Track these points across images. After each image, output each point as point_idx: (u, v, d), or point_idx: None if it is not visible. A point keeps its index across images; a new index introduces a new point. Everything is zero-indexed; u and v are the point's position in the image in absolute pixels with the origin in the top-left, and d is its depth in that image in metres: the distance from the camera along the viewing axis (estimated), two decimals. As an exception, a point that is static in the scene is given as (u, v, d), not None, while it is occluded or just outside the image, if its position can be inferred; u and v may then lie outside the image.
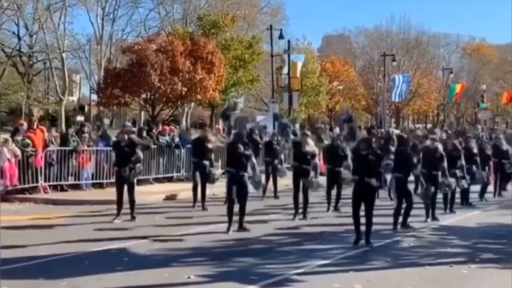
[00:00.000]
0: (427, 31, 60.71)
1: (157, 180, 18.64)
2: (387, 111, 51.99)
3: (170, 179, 19.05)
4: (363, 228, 10.30)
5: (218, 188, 15.05)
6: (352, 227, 10.50)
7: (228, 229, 11.24)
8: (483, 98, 54.27)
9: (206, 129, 15.72)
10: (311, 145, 13.11)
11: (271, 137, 17.37)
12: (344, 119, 25.24)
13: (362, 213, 10.36)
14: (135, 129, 18.48)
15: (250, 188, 11.54)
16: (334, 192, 14.09)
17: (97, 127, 20.87)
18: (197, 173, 14.28)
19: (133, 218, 12.37)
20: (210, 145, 14.36)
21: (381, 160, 10.71)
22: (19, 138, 15.82)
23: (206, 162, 14.09)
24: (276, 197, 16.06)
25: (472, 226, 12.56)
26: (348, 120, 24.18)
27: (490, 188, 16.71)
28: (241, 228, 11.34)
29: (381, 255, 9.55)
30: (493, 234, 11.61)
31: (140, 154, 12.67)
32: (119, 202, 12.44)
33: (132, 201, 12.50)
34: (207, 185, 14.19)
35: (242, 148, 11.39)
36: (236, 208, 11.38)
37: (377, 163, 10.44)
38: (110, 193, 13.47)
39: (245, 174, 11.38)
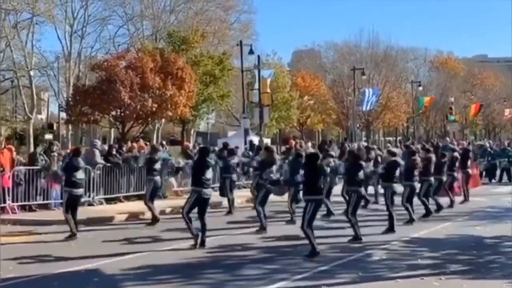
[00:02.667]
0: (395, 46, 61.63)
1: (127, 198, 18.46)
2: (358, 125, 52.40)
3: (140, 197, 18.85)
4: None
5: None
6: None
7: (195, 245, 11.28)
8: (452, 110, 55.04)
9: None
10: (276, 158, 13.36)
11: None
12: None
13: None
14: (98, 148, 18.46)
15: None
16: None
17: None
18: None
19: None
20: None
21: (319, 176, 10.81)
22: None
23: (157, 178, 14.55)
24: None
25: (443, 238, 12.65)
26: None
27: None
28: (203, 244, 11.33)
29: (353, 269, 9.55)
30: (463, 246, 11.71)
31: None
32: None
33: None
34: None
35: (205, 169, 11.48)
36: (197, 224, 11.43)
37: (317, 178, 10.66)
38: (79, 212, 13.25)
39: (208, 193, 11.48)
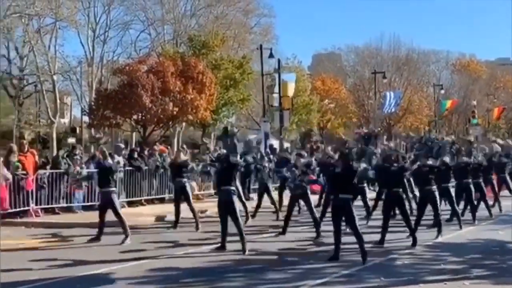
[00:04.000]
0: (416, 48, 61.17)
1: (149, 201, 18.55)
2: (379, 128, 52.11)
3: (162, 200, 18.95)
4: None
5: (211, 208, 15.06)
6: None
7: (222, 246, 11.28)
8: (474, 113, 54.45)
9: (180, 149, 16.05)
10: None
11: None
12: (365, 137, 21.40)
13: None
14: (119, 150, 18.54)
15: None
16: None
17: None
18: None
19: (126, 237, 12.33)
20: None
21: (353, 176, 10.72)
22: (14, 159, 15.73)
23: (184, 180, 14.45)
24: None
25: (466, 242, 12.54)
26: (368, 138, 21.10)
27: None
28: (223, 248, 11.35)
29: (375, 273, 9.47)
30: (487, 250, 11.59)
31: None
32: (101, 223, 12.55)
33: (120, 221, 12.52)
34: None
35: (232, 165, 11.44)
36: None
37: (349, 179, 10.55)
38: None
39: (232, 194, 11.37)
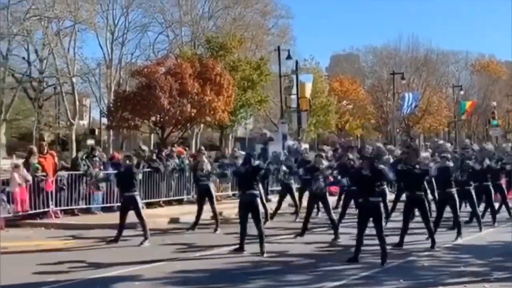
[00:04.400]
0: (435, 49, 60.77)
1: (167, 203, 18.60)
2: (397, 130, 51.84)
3: (180, 202, 19.00)
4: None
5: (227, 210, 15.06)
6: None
7: (241, 248, 11.27)
8: (494, 114, 53.96)
9: (200, 152, 16.02)
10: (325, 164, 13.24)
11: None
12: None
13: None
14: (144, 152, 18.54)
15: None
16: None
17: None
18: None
19: (145, 239, 12.38)
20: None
21: (380, 178, 10.69)
22: (34, 161, 15.87)
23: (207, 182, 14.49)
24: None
25: (486, 244, 12.42)
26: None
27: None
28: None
29: (394, 275, 9.42)
30: (507, 252, 11.45)
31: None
32: (121, 225, 12.58)
33: (141, 223, 12.56)
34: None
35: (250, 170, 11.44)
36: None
37: (376, 181, 10.51)
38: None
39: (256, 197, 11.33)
